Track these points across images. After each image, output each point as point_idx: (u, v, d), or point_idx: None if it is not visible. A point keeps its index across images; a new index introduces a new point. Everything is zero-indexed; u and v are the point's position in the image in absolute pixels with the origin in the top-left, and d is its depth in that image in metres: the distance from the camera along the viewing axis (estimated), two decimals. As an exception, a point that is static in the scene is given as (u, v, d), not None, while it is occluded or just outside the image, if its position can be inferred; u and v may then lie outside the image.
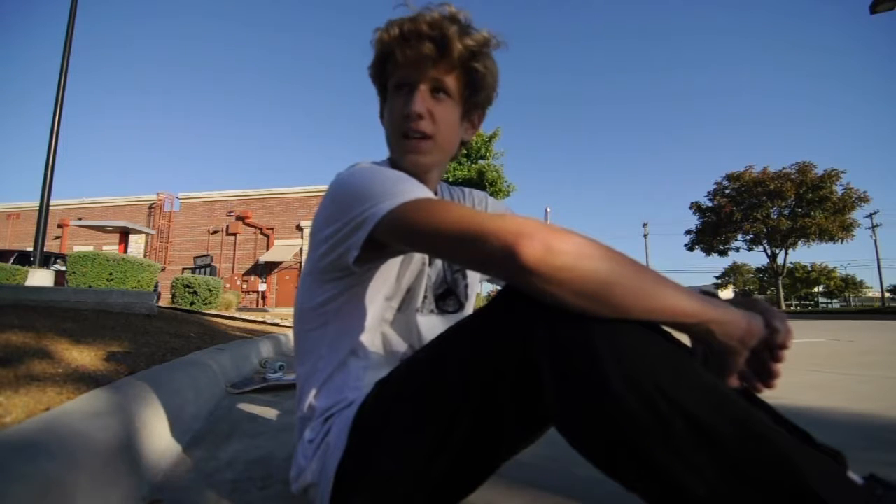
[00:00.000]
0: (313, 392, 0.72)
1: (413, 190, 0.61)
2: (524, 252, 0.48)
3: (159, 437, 1.04)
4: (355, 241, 0.62)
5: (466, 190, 0.95)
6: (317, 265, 0.71)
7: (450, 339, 0.60)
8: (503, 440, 0.59)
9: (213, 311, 6.98)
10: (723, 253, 31.95)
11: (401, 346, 0.77)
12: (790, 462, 0.47)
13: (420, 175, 0.76)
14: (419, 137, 0.72)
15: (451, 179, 15.93)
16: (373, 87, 0.81)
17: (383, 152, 0.82)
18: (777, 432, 0.49)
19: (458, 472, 0.60)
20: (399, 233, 0.59)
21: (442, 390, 0.58)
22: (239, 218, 20.33)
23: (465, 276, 0.86)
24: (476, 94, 0.77)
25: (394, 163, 0.80)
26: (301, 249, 19.12)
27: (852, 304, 52.71)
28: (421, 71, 0.71)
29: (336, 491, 0.62)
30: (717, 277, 58.01)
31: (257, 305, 18.57)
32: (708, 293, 0.76)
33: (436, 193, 0.85)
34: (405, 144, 0.73)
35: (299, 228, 19.79)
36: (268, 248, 19.85)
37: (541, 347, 0.51)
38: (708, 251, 32.03)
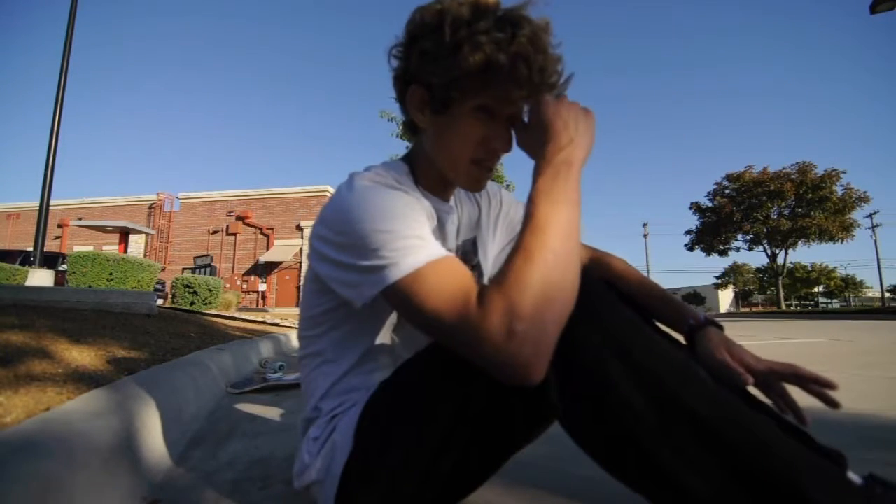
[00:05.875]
0: (319, 395, 0.72)
1: (418, 246, 0.55)
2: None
3: (159, 437, 1.04)
4: (358, 295, 0.58)
5: None
6: (318, 276, 0.67)
7: None
8: (508, 435, 0.59)
9: (213, 311, 6.98)
10: (723, 253, 31.99)
11: (408, 351, 0.75)
12: (791, 467, 0.47)
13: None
14: (489, 169, 0.70)
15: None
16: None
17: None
18: (779, 438, 0.50)
19: (465, 468, 0.60)
20: (398, 309, 0.58)
21: (446, 387, 0.57)
22: (239, 218, 20.31)
23: (480, 279, 0.85)
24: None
25: (414, 166, 0.75)
26: (301, 249, 19.09)
27: (852, 304, 52.68)
28: (516, 105, 0.65)
29: (342, 490, 0.62)
30: (717, 277, 58.02)
31: (257, 305, 18.55)
32: (711, 322, 0.74)
33: (452, 198, 0.81)
34: (474, 171, 0.69)
35: (299, 228, 19.77)
36: (268, 248, 19.82)
37: None
38: (708, 251, 32.05)
